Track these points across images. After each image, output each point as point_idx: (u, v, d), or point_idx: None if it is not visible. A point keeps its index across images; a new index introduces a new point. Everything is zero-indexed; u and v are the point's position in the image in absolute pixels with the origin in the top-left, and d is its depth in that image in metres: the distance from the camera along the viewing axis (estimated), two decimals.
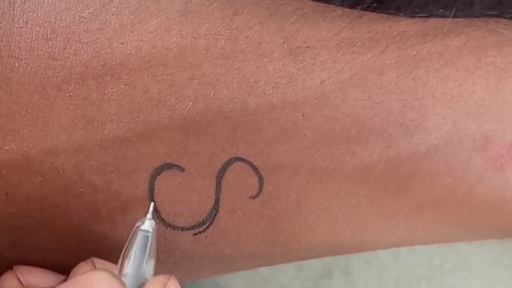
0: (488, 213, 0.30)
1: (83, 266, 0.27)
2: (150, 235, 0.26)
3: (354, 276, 0.54)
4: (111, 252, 0.29)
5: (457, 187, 0.29)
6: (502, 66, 0.29)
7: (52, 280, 0.28)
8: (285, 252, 0.31)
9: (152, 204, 0.27)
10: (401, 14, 0.30)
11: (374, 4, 0.30)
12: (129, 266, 0.26)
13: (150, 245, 0.26)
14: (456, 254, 0.52)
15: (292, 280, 0.56)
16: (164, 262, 0.29)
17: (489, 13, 0.31)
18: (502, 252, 0.51)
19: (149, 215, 0.27)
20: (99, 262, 0.27)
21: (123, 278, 0.26)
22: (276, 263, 0.33)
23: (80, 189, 0.27)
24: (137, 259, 0.26)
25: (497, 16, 0.30)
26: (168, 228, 0.28)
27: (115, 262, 0.27)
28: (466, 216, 0.30)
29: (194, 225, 0.29)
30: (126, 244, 0.26)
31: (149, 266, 0.26)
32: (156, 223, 0.27)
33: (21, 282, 0.28)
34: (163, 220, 0.28)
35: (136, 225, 0.27)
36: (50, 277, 0.28)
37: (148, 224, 0.27)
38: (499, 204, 0.30)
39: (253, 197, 0.29)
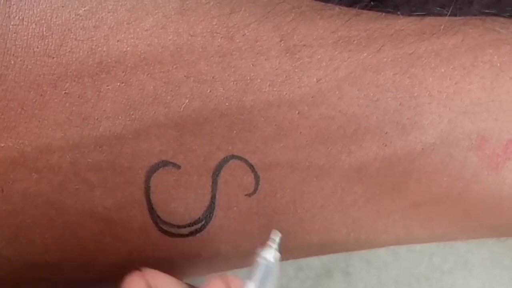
0: (484, 211, 0.30)
1: (215, 284, 0.26)
2: (273, 266, 0.26)
3: (354, 276, 0.54)
4: (108, 250, 0.29)
5: (453, 186, 0.29)
6: (498, 64, 0.29)
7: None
8: (281, 249, 0.31)
9: (278, 234, 0.26)
10: (399, 12, 0.30)
11: (372, 3, 0.30)
12: None
13: (273, 276, 0.26)
14: (456, 253, 0.52)
15: (292, 280, 0.55)
16: (160, 260, 0.29)
17: (486, 11, 0.30)
18: (501, 251, 0.51)
19: (274, 245, 0.26)
20: (233, 280, 0.26)
21: None
22: None
23: (76, 186, 0.27)
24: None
25: (494, 14, 0.30)
26: (164, 226, 0.28)
27: (112, 261, 0.28)
28: (462, 215, 0.30)
29: (190, 223, 0.29)
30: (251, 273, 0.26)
31: None
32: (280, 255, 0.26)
33: (149, 286, 0.27)
34: (159, 217, 0.28)
35: (259, 253, 0.26)
36: (176, 284, 0.27)
37: (271, 255, 0.26)
38: (495, 203, 0.30)
39: (249, 195, 0.29)
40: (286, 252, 0.31)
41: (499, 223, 0.31)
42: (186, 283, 0.28)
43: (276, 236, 0.26)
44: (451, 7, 0.30)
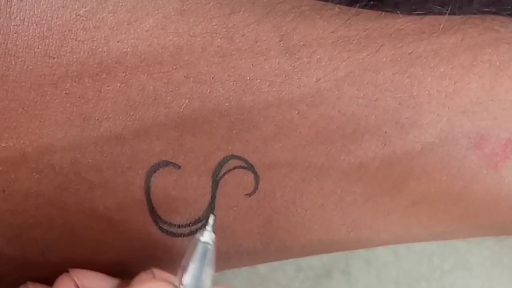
0: (483, 211, 0.30)
1: (143, 276, 0.27)
2: (210, 247, 0.26)
3: (354, 276, 0.54)
4: (108, 251, 0.29)
5: (452, 185, 0.29)
6: (498, 64, 0.29)
7: (108, 284, 0.28)
8: (281, 250, 0.31)
9: (212, 216, 0.28)
10: (398, 12, 0.30)
11: (371, 2, 0.30)
12: (188, 277, 0.26)
13: (210, 257, 0.26)
14: (456, 253, 0.52)
15: (292, 280, 0.55)
16: (161, 260, 0.29)
17: (486, 10, 0.30)
18: (501, 251, 0.51)
19: (208, 227, 0.27)
20: (159, 273, 0.27)
21: None
22: (272, 260, 0.33)
23: (77, 186, 0.27)
24: (196, 270, 0.26)
25: (494, 13, 0.30)
26: (165, 226, 0.28)
27: (113, 261, 0.28)
28: (461, 214, 0.30)
29: (190, 223, 0.29)
30: (185, 255, 0.26)
31: (207, 277, 0.26)
32: (215, 236, 0.27)
33: (77, 286, 0.28)
34: (159, 217, 0.28)
35: (196, 236, 0.27)
36: (106, 280, 0.28)
37: (208, 236, 0.27)
38: (494, 202, 0.30)
39: (249, 195, 0.29)
40: (286, 251, 0.31)
41: (498, 222, 0.31)
42: (120, 279, 0.28)
43: (211, 219, 0.28)
44: (451, 6, 0.30)
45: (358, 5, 0.30)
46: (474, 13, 0.30)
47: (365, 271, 0.54)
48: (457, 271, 0.52)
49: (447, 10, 0.30)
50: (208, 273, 0.26)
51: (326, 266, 0.54)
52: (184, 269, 0.26)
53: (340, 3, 0.30)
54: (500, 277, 0.51)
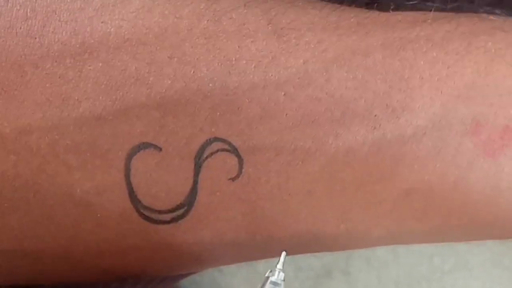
0: (481, 204, 0.29)
1: None
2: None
3: (354, 276, 0.54)
4: (87, 238, 0.29)
5: (447, 173, 0.28)
6: (493, 50, 0.28)
7: None
8: (267, 241, 0.30)
9: (283, 253, 0.27)
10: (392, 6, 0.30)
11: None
12: None
13: None
14: (456, 254, 0.51)
15: (292, 280, 0.55)
16: (142, 249, 0.29)
17: (489, 10, 0.30)
18: (502, 252, 0.51)
19: (279, 265, 0.26)
20: None
21: None
22: (260, 255, 0.32)
23: (55, 169, 0.27)
24: None
25: (488, 10, 0.30)
26: (145, 211, 0.28)
27: (92, 252, 0.28)
28: (458, 207, 0.29)
29: (172, 208, 0.28)
30: None
31: None
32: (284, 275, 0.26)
33: None
34: (140, 202, 0.28)
35: (266, 275, 0.26)
36: None
37: (278, 276, 0.26)
38: (493, 194, 0.29)
39: (232, 179, 0.28)
40: (273, 243, 0.30)
41: (499, 219, 0.30)
42: None
43: (282, 257, 0.27)
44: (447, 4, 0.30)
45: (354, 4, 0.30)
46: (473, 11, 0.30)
47: (365, 271, 0.54)
48: (457, 271, 0.52)
49: (446, 6, 0.29)
50: None
51: (326, 266, 0.54)
52: None
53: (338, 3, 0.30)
54: (501, 278, 0.51)
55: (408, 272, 0.53)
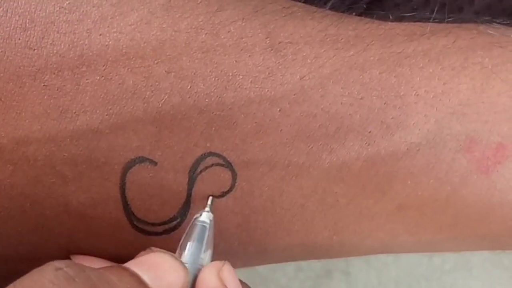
0: (473, 219, 0.29)
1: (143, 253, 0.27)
2: (207, 226, 0.27)
3: (354, 276, 0.54)
4: (81, 247, 0.29)
5: (440, 189, 0.28)
6: (490, 66, 0.28)
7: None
8: (260, 251, 0.30)
9: (210, 197, 0.28)
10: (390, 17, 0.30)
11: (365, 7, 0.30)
12: (187, 255, 0.27)
13: (208, 236, 0.27)
14: (456, 254, 0.52)
15: (292, 280, 0.56)
16: None
17: (480, 17, 0.30)
18: (501, 252, 0.51)
19: (207, 208, 0.28)
20: (158, 250, 0.27)
21: None
22: (254, 263, 0.32)
23: (51, 180, 0.27)
24: (194, 249, 0.27)
25: (487, 21, 0.30)
26: (139, 223, 0.28)
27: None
28: (450, 221, 0.29)
29: (165, 221, 0.28)
30: (184, 235, 0.27)
31: (206, 256, 0.27)
32: (213, 216, 0.28)
33: None
34: (134, 215, 0.28)
35: (194, 217, 0.27)
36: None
37: (206, 216, 0.27)
38: (484, 209, 0.29)
39: (225, 193, 0.28)
40: (266, 254, 0.30)
41: (490, 232, 0.30)
42: None
43: (209, 200, 0.28)
44: (441, 13, 0.30)
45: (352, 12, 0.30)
46: (467, 22, 0.30)
47: (365, 271, 0.54)
48: (457, 271, 0.52)
49: (438, 19, 0.29)
50: (207, 252, 0.27)
51: (326, 266, 0.54)
52: (182, 248, 0.27)
53: (336, 11, 0.29)
54: (500, 278, 0.51)
55: (408, 272, 0.53)
